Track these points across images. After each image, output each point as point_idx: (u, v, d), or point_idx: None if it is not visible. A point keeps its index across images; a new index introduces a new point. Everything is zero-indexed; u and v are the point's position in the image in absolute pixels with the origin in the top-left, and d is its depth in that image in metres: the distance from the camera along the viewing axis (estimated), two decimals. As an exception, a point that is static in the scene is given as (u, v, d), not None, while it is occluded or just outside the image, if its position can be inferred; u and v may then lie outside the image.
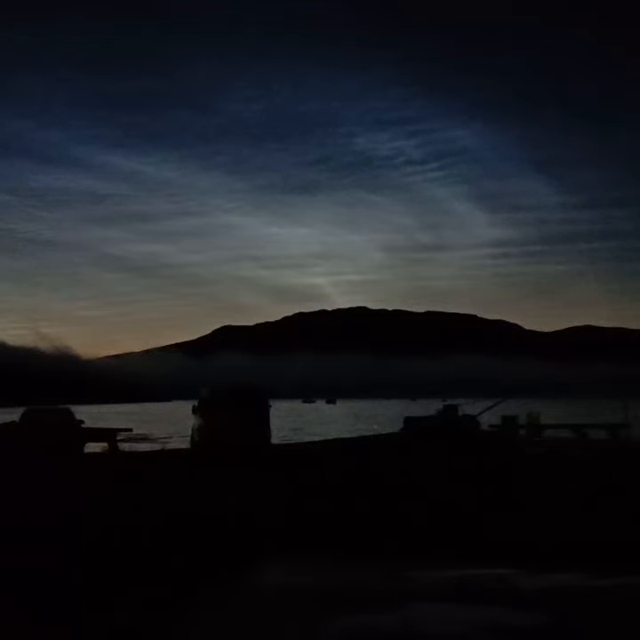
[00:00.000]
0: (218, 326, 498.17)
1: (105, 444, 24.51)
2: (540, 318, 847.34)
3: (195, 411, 23.54)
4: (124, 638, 5.55)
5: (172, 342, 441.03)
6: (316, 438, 35.66)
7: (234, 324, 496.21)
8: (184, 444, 27.87)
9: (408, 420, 26.55)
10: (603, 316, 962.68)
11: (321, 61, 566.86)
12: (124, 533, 9.04)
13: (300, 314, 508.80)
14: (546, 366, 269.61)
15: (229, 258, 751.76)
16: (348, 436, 35.42)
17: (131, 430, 31.41)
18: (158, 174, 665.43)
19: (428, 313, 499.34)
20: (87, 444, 23.39)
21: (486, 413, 28.07)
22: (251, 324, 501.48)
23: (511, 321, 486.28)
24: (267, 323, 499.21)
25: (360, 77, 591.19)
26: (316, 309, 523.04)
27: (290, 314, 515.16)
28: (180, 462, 19.22)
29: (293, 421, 62.76)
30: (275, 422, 25.42)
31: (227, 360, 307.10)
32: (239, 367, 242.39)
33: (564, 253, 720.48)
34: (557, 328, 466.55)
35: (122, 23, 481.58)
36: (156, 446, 31.26)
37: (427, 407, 44.76)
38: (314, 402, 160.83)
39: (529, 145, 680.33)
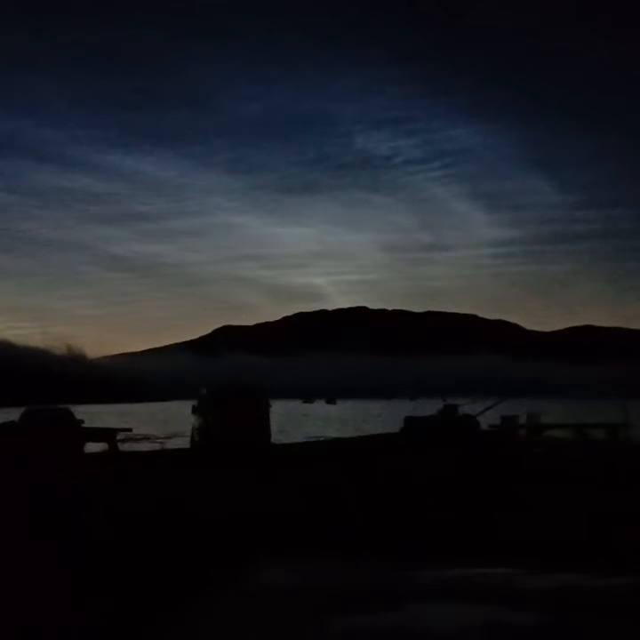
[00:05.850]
0: (218, 326, 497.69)
1: (105, 444, 24.52)
2: (540, 318, 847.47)
3: (194, 411, 23.53)
4: (123, 638, 5.55)
5: (172, 342, 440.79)
6: (316, 438, 35.70)
7: (234, 323, 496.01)
8: (184, 443, 27.87)
9: (408, 420, 26.55)
10: (603, 316, 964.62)
11: (320, 61, 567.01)
12: (123, 533, 9.03)
13: (300, 314, 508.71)
14: (546, 366, 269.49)
15: (229, 257, 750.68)
16: (347, 435, 35.44)
17: (131, 430, 31.44)
18: (158, 174, 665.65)
19: (428, 313, 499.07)
20: (87, 444, 23.40)
21: (486, 413, 28.09)
22: (251, 324, 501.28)
23: (511, 321, 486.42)
24: (267, 323, 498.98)
25: (359, 77, 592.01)
26: (316, 309, 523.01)
27: (290, 314, 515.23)
28: (180, 462, 19.21)
29: (293, 421, 62.75)
30: (274, 422, 25.42)
31: (227, 360, 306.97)
32: (239, 367, 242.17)
33: (564, 253, 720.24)
34: (557, 328, 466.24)
35: (121, 23, 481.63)
36: (156, 446, 31.28)
37: (427, 407, 44.76)
38: (314, 402, 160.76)
39: (529, 145, 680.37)
